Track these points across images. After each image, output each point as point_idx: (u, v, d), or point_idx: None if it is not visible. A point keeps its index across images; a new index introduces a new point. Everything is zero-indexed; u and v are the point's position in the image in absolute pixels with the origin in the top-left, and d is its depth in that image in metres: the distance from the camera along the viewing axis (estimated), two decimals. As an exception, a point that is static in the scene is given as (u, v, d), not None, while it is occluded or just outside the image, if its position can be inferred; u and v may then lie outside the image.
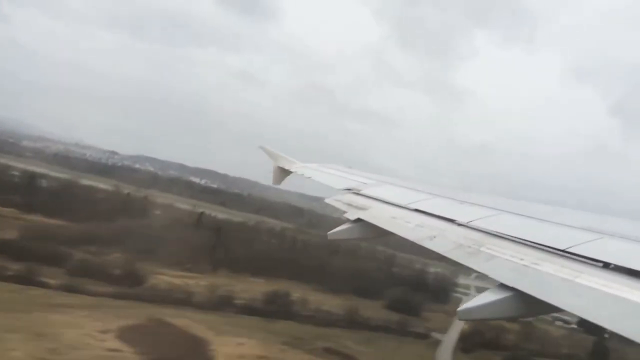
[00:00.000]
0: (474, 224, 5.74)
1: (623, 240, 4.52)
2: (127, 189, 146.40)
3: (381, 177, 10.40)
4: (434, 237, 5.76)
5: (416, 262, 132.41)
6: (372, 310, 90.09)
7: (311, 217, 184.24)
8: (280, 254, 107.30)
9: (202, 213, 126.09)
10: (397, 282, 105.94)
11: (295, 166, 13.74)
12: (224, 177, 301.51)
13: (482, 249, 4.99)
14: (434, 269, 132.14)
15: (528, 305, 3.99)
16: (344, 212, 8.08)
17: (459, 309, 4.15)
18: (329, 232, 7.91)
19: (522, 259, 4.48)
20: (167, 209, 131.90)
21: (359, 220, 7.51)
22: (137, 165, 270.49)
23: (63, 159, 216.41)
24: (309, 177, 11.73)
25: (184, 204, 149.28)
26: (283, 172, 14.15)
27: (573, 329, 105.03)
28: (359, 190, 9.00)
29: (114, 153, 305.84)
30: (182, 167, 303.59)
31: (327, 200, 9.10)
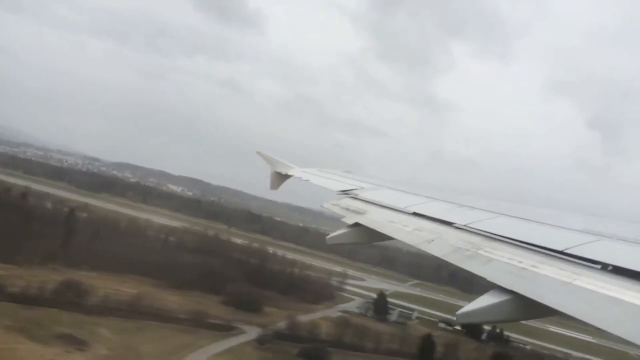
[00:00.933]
0: (472, 226, 5.73)
1: (621, 241, 4.51)
2: (70, 191, 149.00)
3: (379, 181, 10.39)
4: (432, 240, 5.75)
5: (306, 260, 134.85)
6: (205, 305, 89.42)
7: (267, 224, 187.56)
8: (144, 252, 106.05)
9: (72, 209, 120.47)
10: (252, 280, 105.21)
11: (293, 171, 13.73)
12: (206, 186, 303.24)
13: (480, 252, 4.97)
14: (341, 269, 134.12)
15: (527, 308, 3.98)
16: (342, 216, 8.05)
17: (458, 312, 4.13)
18: (327, 237, 7.88)
19: (520, 262, 4.46)
20: (55, 204, 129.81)
21: (357, 224, 7.49)
22: (113, 172, 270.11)
23: (21, 162, 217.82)
24: (307, 180, 11.71)
25: (117, 207, 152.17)
26: (280, 177, 14.13)
27: (442, 328, 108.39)
28: (357, 195, 8.98)
29: (95, 160, 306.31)
30: (165, 175, 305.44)
31: (324, 205, 9.08)
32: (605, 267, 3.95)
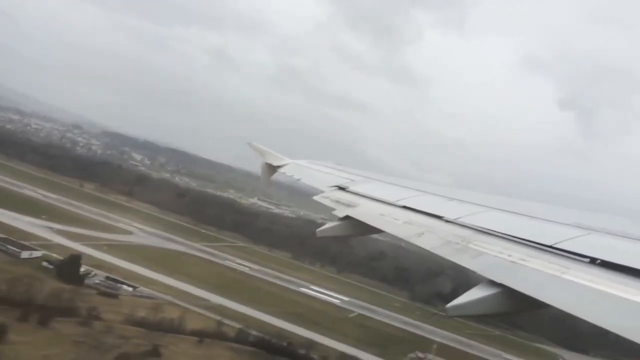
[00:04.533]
0: (462, 220, 5.74)
1: (610, 236, 4.55)
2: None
3: (370, 174, 10.38)
4: (422, 233, 5.76)
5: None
6: None
7: (141, 187, 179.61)
8: None
9: None
10: None
11: (284, 162, 13.67)
12: (187, 157, 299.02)
13: (470, 245, 4.99)
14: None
15: (516, 302, 4.00)
16: (333, 209, 8.03)
17: (448, 305, 4.14)
18: (317, 230, 7.86)
19: (510, 255, 4.48)
20: None
21: (347, 217, 7.47)
22: (79, 139, 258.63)
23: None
24: (299, 179, 11.66)
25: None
26: (272, 169, 14.06)
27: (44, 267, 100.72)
28: (347, 187, 8.97)
29: (76, 127, 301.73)
30: (149, 144, 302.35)
31: (315, 198, 9.05)
32: (593, 261, 3.98)
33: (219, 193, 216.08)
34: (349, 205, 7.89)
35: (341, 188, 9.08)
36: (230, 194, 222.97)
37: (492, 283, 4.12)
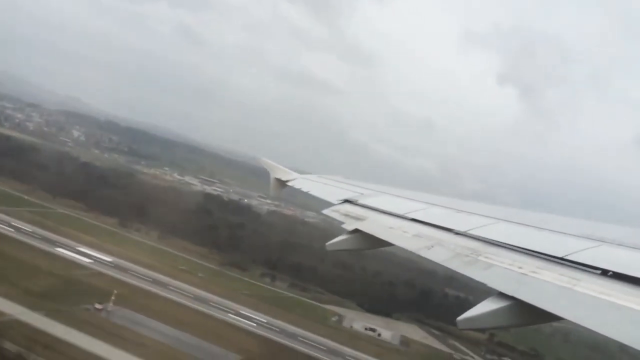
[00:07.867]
0: (472, 232, 5.72)
1: (621, 247, 4.51)
2: None
3: (379, 187, 10.40)
4: (432, 246, 5.74)
5: None
6: None
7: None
8: None
9: None
10: None
11: (293, 177, 13.74)
12: (152, 138, 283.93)
13: (480, 257, 4.96)
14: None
15: (528, 314, 3.97)
16: (342, 222, 8.04)
17: (459, 318, 4.12)
18: (327, 243, 7.86)
19: (520, 268, 4.46)
20: None
21: (356, 230, 7.48)
22: (19, 115, 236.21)
23: None
24: (307, 192, 11.69)
25: None
26: (281, 184, 14.13)
27: None
28: (356, 201, 8.98)
29: (29, 105, 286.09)
30: (110, 123, 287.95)
31: (324, 211, 9.07)
32: (605, 273, 3.95)
33: (144, 170, 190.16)
34: (358, 219, 7.89)
35: (350, 201, 9.09)
36: (158, 171, 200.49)
37: (503, 295, 4.09)
